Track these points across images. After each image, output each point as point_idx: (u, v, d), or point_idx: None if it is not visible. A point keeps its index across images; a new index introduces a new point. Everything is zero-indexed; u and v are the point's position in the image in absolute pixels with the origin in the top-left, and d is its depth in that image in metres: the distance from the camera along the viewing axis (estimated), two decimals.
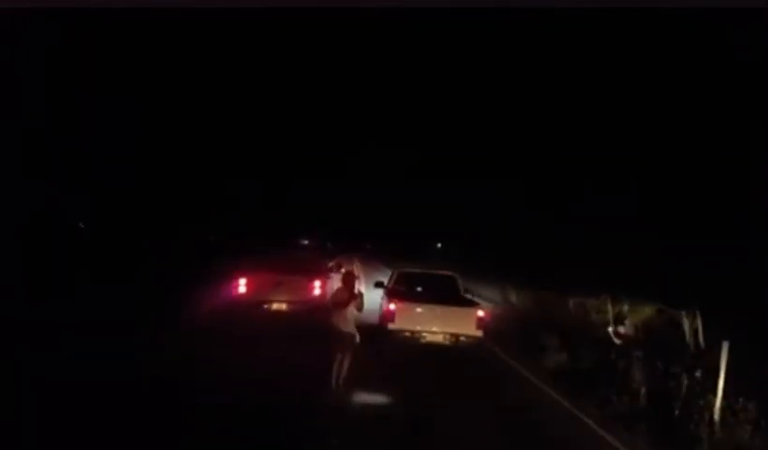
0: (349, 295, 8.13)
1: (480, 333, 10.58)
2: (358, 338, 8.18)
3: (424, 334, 10.54)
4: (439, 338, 10.53)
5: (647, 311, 14.41)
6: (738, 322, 9.95)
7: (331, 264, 14.96)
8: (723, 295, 12.01)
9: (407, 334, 10.53)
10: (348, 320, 8.08)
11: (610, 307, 14.89)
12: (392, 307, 10.60)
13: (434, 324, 10.55)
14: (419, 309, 10.69)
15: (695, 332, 11.87)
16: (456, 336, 10.50)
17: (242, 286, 12.02)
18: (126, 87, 28.92)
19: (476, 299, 12.41)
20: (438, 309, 10.68)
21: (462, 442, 6.77)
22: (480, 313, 10.75)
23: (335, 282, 11.25)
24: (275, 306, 11.97)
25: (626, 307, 14.51)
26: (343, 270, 13.07)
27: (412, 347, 10.55)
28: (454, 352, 10.64)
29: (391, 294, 11.45)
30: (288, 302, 11.96)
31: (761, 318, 10.69)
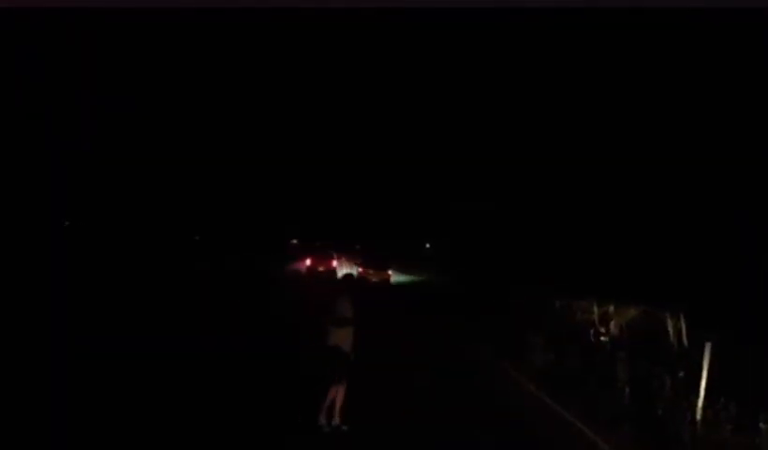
0: (354, 311, 6.91)
1: (390, 279, 29.16)
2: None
3: (371, 279, 27.41)
4: (376, 280, 27.59)
5: (632, 312, 14.52)
6: (721, 324, 10.07)
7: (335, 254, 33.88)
8: (706, 297, 12.14)
9: (366, 278, 27.08)
10: (350, 337, 6.84)
11: (595, 309, 14.99)
12: (360, 270, 27.83)
13: (374, 276, 27.83)
14: (370, 271, 28.22)
15: (679, 333, 11.99)
16: (381, 279, 28.07)
17: (308, 261, 30.65)
18: (123, 87, 28.74)
19: (391, 269, 29.87)
20: (376, 271, 28.33)
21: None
22: (390, 272, 29.41)
23: (339, 262, 32.10)
24: (320, 269, 29.42)
25: (611, 309, 14.61)
26: (343, 270, 24.21)
27: (368, 284, 26.04)
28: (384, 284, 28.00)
29: (360, 265, 29.21)
30: (324, 269, 29.43)
31: (743, 319, 10.83)
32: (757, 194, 14.19)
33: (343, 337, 6.75)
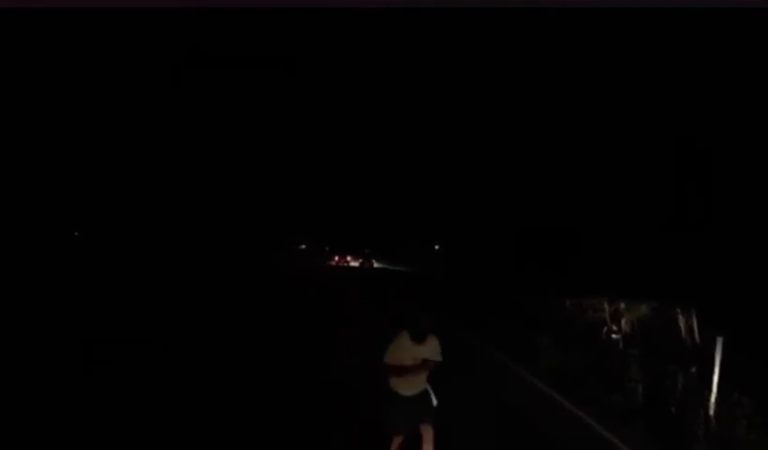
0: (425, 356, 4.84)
1: (373, 266, 68.43)
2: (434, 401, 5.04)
3: (365, 266, 65.43)
4: (367, 266, 65.30)
5: (643, 309, 14.42)
6: (733, 319, 9.99)
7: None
8: (718, 292, 12.05)
9: (363, 266, 65.54)
10: (424, 384, 4.99)
11: (606, 306, 14.89)
12: (360, 261, 70.24)
13: (366, 265, 67.27)
14: (365, 262, 69.43)
15: (690, 329, 11.89)
16: (369, 266, 66.59)
17: (336, 258, 73.75)
18: (126, 90, 28.77)
19: (374, 261, 72.80)
20: (366, 262, 69.70)
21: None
22: (374, 261, 71.95)
23: (351, 259, 75.20)
24: (342, 263, 69.44)
25: (622, 306, 14.52)
26: (353, 263, 68.18)
27: (363, 268, 62.92)
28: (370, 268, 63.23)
29: (360, 260, 71.40)
30: (345, 264, 68.74)
31: (756, 314, 10.74)
32: (760, 192, 14.10)
33: (413, 384, 4.83)
